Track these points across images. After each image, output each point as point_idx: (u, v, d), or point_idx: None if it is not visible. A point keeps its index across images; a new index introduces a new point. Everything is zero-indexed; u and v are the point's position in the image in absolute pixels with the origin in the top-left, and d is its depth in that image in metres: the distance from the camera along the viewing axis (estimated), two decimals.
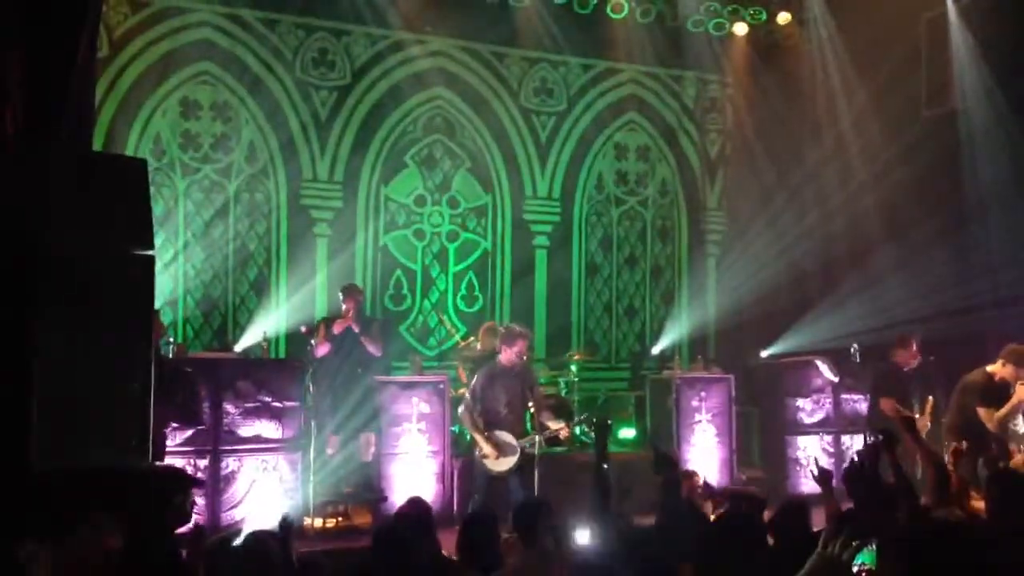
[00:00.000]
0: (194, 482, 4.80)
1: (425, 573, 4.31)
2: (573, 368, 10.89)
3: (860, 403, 10.01)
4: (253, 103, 10.98)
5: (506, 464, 8.02)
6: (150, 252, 5.10)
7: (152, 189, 7.68)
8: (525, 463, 7.98)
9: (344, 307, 9.05)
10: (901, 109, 10.95)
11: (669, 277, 13.27)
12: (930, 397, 8.63)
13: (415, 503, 5.09)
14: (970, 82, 10.59)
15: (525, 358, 8.48)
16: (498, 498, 7.78)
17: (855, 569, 3.96)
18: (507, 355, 8.25)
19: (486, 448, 8.04)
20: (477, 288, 12.16)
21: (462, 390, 8.97)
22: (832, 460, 9.90)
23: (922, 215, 10.33)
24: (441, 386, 9.14)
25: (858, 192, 11.21)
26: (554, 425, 8.54)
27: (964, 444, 6.49)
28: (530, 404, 8.32)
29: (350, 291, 9.24)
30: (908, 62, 11.15)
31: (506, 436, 8.08)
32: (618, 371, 12.68)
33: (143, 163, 5.57)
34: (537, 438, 8.06)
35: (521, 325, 8.78)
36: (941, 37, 11.03)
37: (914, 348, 8.82)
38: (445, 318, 11.39)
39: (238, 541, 3.65)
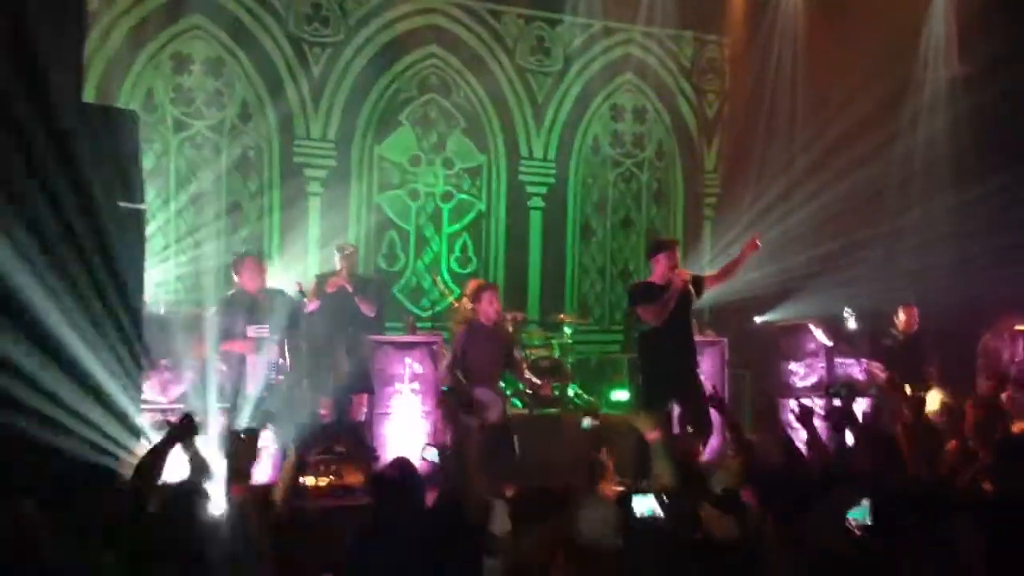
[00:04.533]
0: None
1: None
2: (567, 330, 10.85)
3: (853, 367, 10.01)
4: (246, 59, 10.80)
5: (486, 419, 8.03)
6: (141, 206, 5.04)
7: (143, 144, 7.59)
8: (504, 420, 8.01)
9: (338, 266, 8.99)
10: (902, 74, 10.88)
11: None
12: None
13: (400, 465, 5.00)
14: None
15: (500, 311, 8.46)
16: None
17: (848, 524, 3.96)
18: (483, 311, 8.28)
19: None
20: (471, 249, 12.09)
21: None
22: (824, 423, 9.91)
23: (921, 178, 10.29)
24: (435, 347, 9.10)
25: (858, 156, 11.13)
26: (537, 381, 8.60)
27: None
28: (514, 362, 8.37)
29: (344, 250, 9.17)
30: (908, 28, 11.10)
31: (486, 392, 8.09)
32: (612, 333, 12.65)
33: (134, 115, 5.50)
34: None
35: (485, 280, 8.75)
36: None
37: (912, 315, 8.82)
38: (439, 280, 11.30)
39: None
